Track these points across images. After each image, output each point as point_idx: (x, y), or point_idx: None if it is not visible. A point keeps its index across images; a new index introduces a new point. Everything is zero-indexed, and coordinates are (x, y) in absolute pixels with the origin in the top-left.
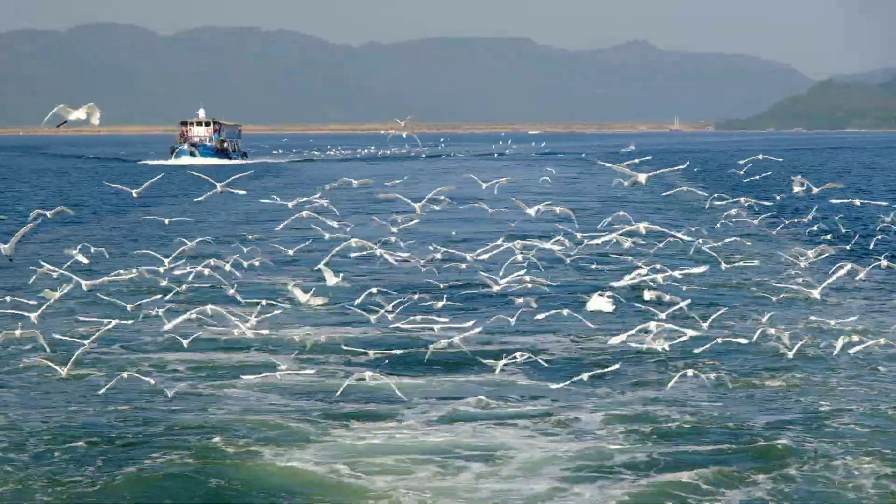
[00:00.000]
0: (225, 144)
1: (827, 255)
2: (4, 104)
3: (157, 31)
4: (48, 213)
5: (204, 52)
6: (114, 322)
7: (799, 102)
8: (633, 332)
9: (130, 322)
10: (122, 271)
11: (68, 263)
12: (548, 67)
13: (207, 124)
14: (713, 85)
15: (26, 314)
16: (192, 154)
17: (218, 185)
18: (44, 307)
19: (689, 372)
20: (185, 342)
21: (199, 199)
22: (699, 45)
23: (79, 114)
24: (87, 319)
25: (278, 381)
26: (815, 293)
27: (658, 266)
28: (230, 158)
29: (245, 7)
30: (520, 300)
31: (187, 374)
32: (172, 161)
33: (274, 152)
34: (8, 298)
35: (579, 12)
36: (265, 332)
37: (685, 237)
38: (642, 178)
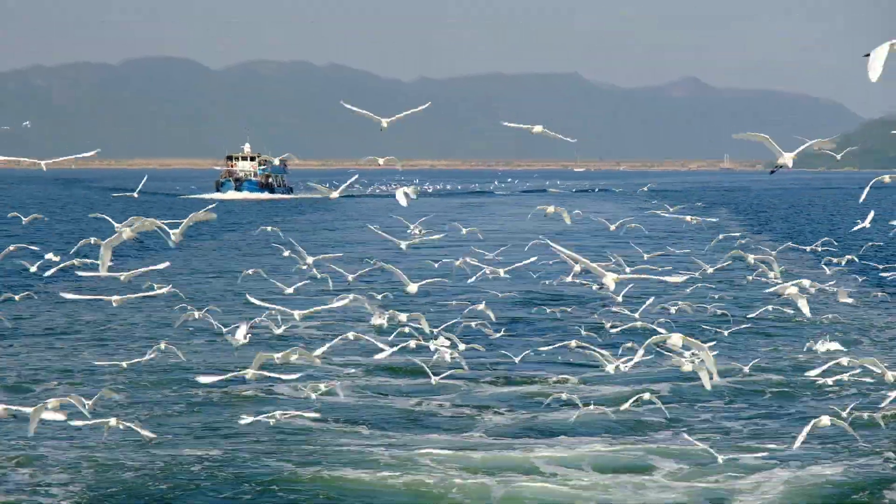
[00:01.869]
0: (269, 179)
1: None
2: (59, 136)
3: (208, 65)
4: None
5: (254, 85)
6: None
7: (850, 141)
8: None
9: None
10: None
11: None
12: (598, 104)
13: (252, 159)
14: (764, 123)
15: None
16: (237, 189)
17: (333, 192)
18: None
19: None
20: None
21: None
22: (750, 82)
23: None
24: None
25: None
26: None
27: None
28: (274, 193)
29: (296, 42)
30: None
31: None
32: (218, 195)
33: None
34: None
35: (631, 50)
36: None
37: None
38: (789, 158)
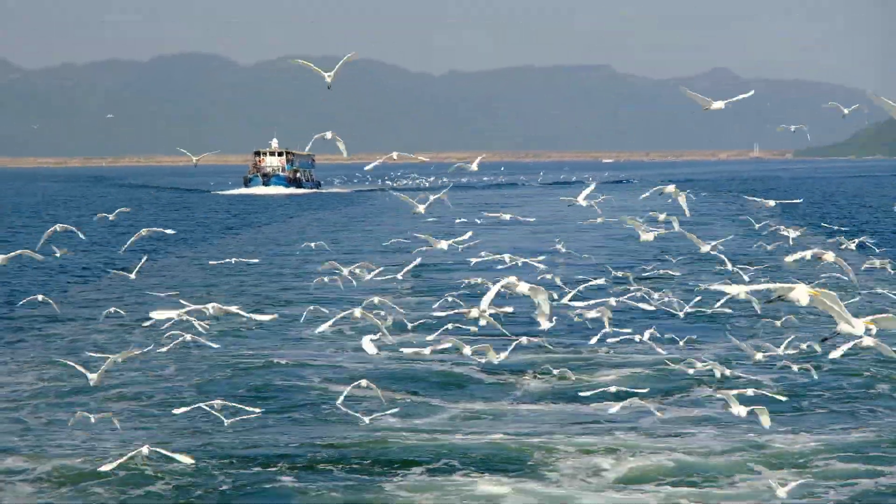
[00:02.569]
0: (297, 174)
1: None
2: (88, 135)
3: (237, 61)
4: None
5: (283, 81)
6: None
7: (880, 130)
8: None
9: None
10: None
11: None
12: (628, 95)
13: (280, 154)
14: (794, 112)
15: None
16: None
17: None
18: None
19: None
20: None
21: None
22: (781, 72)
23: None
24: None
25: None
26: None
27: None
28: (303, 188)
29: (325, 37)
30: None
31: None
32: (246, 190)
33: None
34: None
35: (661, 41)
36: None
37: None
38: None
